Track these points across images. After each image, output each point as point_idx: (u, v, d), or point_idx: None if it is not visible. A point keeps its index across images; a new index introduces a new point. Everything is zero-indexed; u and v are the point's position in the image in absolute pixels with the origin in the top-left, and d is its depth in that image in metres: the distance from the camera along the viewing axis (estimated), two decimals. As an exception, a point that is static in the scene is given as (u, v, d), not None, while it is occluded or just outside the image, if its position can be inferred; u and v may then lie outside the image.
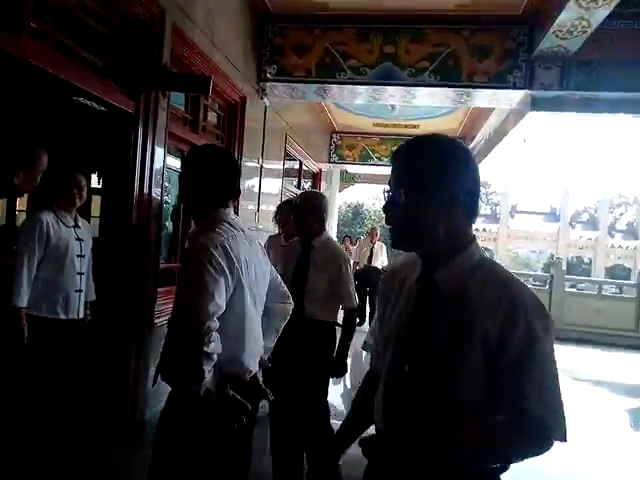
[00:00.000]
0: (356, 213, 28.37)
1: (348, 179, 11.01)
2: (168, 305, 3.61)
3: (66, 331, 2.58)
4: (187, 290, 1.39)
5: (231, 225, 1.46)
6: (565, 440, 0.92)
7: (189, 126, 3.84)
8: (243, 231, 1.50)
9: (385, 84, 4.97)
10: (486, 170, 9.01)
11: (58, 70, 2.33)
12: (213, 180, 1.48)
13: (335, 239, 8.19)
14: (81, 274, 2.66)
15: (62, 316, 2.54)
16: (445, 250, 0.99)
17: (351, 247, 9.33)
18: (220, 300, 1.33)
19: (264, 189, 5.38)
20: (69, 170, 2.62)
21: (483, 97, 5.10)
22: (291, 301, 1.78)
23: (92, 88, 2.62)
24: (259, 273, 1.51)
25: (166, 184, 3.49)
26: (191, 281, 1.37)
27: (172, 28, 3.21)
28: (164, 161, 3.33)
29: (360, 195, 26.91)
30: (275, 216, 4.04)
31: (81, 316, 2.68)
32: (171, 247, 3.94)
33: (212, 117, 4.34)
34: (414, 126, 8.51)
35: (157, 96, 3.12)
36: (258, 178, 5.23)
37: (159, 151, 3.22)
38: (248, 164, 4.81)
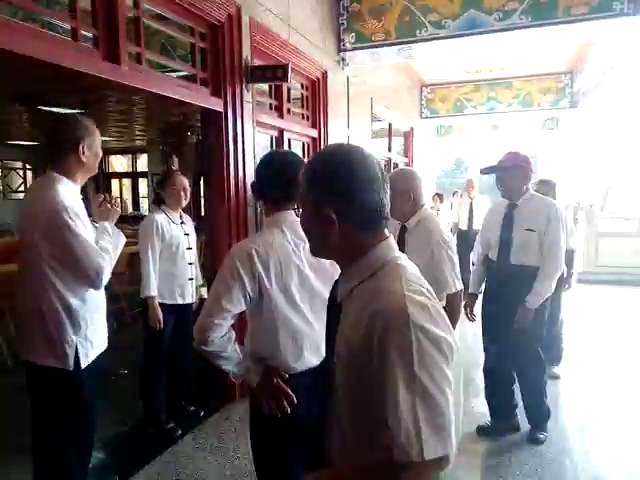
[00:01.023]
0: (458, 163, 27.15)
1: (444, 132, 10.58)
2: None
3: (183, 313, 3.00)
4: (209, 294, 1.56)
5: (280, 229, 1.56)
6: (423, 459, 0.80)
7: (275, 111, 4.04)
8: (296, 233, 1.55)
9: (471, 34, 4.69)
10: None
11: (155, 88, 2.63)
12: (267, 187, 1.61)
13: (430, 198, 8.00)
14: (191, 264, 3.05)
15: (180, 301, 2.97)
16: (342, 259, 1.01)
17: (440, 206, 8.30)
18: (229, 304, 1.46)
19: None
20: (170, 175, 2.97)
21: (584, 31, 4.58)
22: None
23: (189, 97, 2.91)
24: (310, 272, 1.57)
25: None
26: (213, 285, 1.53)
27: (249, 22, 3.37)
28: (254, 150, 3.57)
29: (460, 144, 25.52)
30: None
31: (194, 300, 3.09)
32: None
33: (296, 96, 4.48)
34: (511, 68, 7.89)
35: (241, 91, 3.33)
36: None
37: (248, 141, 3.46)
38: (335, 132, 4.90)
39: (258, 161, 1.70)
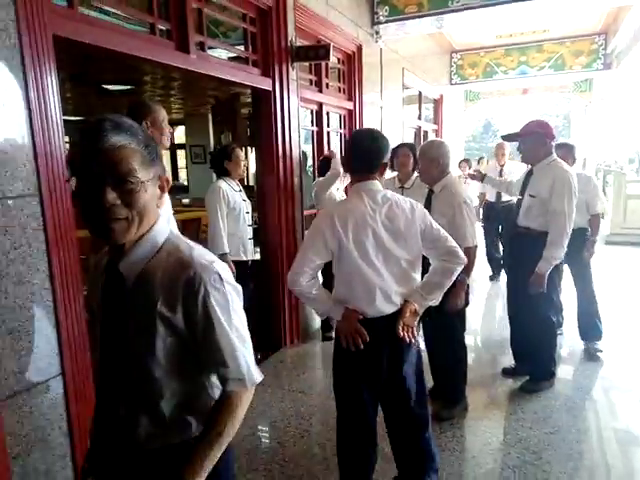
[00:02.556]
0: (487, 127, 26.66)
1: (472, 97, 10.56)
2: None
3: (246, 268, 3.44)
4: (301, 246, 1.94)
5: (360, 196, 1.85)
6: (249, 386, 1.09)
7: (315, 86, 4.33)
8: (374, 200, 1.83)
9: (503, 3, 4.80)
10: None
11: (216, 72, 2.97)
12: (348, 160, 1.95)
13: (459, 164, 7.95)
14: (250, 225, 3.48)
15: (244, 257, 3.40)
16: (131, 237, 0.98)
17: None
18: (315, 256, 1.80)
19: (385, 125, 5.68)
20: (233, 148, 3.34)
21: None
22: (459, 259, 1.90)
23: (242, 79, 3.24)
24: (385, 233, 1.82)
25: (302, 144, 4.08)
26: (304, 240, 1.93)
27: (293, 4, 3.64)
28: (299, 124, 3.90)
29: (489, 109, 25.02)
30: (390, 158, 4.08)
31: (255, 257, 3.52)
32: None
33: (332, 70, 4.74)
34: (544, 30, 7.83)
35: (287, 70, 3.64)
36: (379, 115, 5.56)
37: (294, 116, 3.79)
38: (369, 103, 5.16)
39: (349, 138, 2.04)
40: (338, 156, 3.95)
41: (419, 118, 7.39)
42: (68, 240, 2.01)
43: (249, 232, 3.45)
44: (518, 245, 3.12)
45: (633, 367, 3.53)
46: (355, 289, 1.83)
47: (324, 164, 4.03)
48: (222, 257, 3.21)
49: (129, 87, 6.47)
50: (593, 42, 8.04)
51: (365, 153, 1.87)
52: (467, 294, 2.69)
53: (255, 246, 3.78)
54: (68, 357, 2.05)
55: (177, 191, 11.17)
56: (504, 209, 5.52)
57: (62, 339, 2.01)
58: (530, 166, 3.12)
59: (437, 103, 8.53)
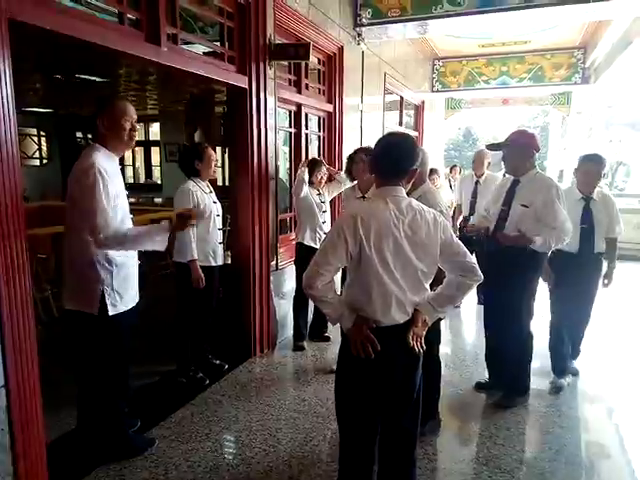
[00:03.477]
0: (467, 136, 26.95)
1: (454, 105, 10.60)
2: (287, 251, 4.22)
3: (215, 274, 3.29)
4: (319, 247, 1.86)
5: (385, 201, 1.78)
6: None
7: (294, 87, 4.21)
8: (398, 208, 1.77)
9: (487, 11, 4.77)
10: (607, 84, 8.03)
11: (188, 67, 2.82)
12: (375, 163, 1.87)
13: (443, 169, 7.79)
14: (220, 229, 3.32)
15: (213, 263, 3.25)
16: None
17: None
18: (334, 259, 1.73)
19: (366, 129, 5.59)
20: (205, 148, 3.19)
21: (600, 10, 4.65)
22: (477, 276, 1.87)
23: (217, 75, 3.10)
24: (407, 243, 1.76)
25: (281, 145, 3.96)
26: (323, 240, 1.83)
27: (273, 1, 3.51)
28: (275, 125, 3.77)
29: (470, 118, 25.33)
30: (348, 165, 3.68)
31: (224, 262, 3.37)
32: (290, 199, 4.46)
33: (313, 72, 4.63)
34: (525, 42, 7.90)
35: (265, 68, 3.51)
36: (359, 119, 5.47)
37: (271, 117, 3.66)
38: (349, 106, 5.07)
39: (378, 140, 1.92)
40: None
41: (400, 124, 7.34)
42: (17, 237, 1.87)
43: (219, 236, 3.30)
44: (503, 255, 3.01)
45: (607, 382, 3.51)
46: (371, 296, 1.77)
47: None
48: (190, 264, 3.07)
49: (103, 80, 6.22)
50: (572, 56, 8.15)
51: (391, 157, 1.82)
52: None
53: (226, 250, 3.64)
54: (12, 366, 1.90)
55: (150, 189, 10.90)
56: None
57: (6, 346, 1.86)
58: (509, 177, 3.10)
59: (418, 109, 8.51)
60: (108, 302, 2.19)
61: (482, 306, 3.45)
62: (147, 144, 11.58)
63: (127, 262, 2.27)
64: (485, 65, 8.75)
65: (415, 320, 1.82)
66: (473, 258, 1.90)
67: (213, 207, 3.22)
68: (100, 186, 2.05)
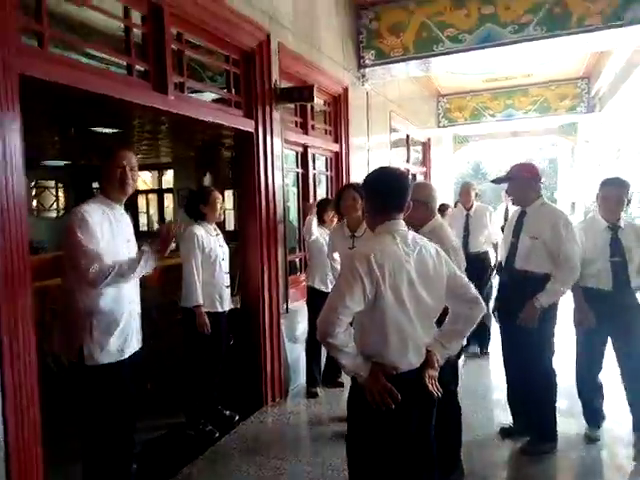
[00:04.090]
0: (476, 170, 27.08)
1: (461, 140, 10.70)
2: (298, 292, 4.16)
3: (223, 320, 3.22)
4: (332, 291, 1.74)
5: (393, 236, 1.72)
6: None
7: (300, 128, 4.26)
8: (405, 243, 1.72)
9: (486, 47, 4.85)
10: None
11: (196, 113, 2.87)
12: (378, 198, 1.79)
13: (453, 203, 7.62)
14: (227, 273, 3.27)
15: (219, 309, 3.18)
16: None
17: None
18: (351, 303, 1.61)
19: (373, 167, 5.57)
20: (210, 191, 3.20)
21: (599, 40, 4.71)
22: (481, 307, 1.83)
23: (224, 120, 3.14)
24: (418, 279, 1.70)
25: (287, 185, 3.97)
26: (336, 284, 1.74)
27: (277, 47, 3.61)
28: (282, 166, 3.79)
29: (478, 151, 25.53)
30: (335, 202, 3.58)
31: (231, 307, 3.30)
32: (298, 239, 4.44)
33: (319, 113, 4.70)
34: (528, 75, 8.00)
35: (271, 111, 3.56)
36: (366, 157, 5.49)
37: (277, 158, 3.69)
38: (355, 145, 5.11)
39: (368, 174, 1.90)
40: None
41: (407, 161, 7.37)
42: (21, 286, 1.87)
43: (226, 280, 3.24)
44: (515, 289, 2.94)
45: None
46: (388, 340, 1.67)
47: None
48: (195, 309, 3.01)
49: (117, 130, 6.40)
50: (576, 86, 8.21)
51: (395, 191, 1.78)
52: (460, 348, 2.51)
53: (234, 295, 3.58)
54: (12, 411, 1.84)
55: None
56: (476, 258, 4.63)
57: (6, 391, 1.82)
58: (517, 208, 3.06)
59: (425, 146, 8.56)
60: (85, 352, 2.09)
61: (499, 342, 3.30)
62: (160, 191, 11.79)
63: (115, 310, 2.16)
64: (490, 99, 8.85)
65: (430, 361, 1.73)
66: (474, 289, 1.85)
67: (219, 250, 3.18)
68: (83, 227, 2.02)
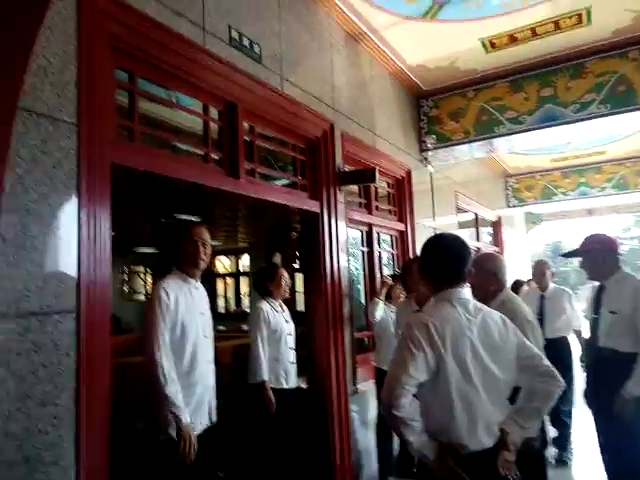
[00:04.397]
0: (555, 251, 25.85)
1: (534, 219, 10.41)
2: (367, 372, 4.04)
3: (288, 398, 3.18)
4: (392, 361, 1.66)
5: (452, 304, 1.65)
6: None
7: (364, 208, 4.41)
8: (467, 310, 1.65)
9: (548, 126, 4.88)
10: None
11: (265, 195, 3.10)
12: (435, 266, 1.76)
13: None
14: (293, 349, 3.29)
15: (285, 386, 3.16)
16: None
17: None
18: (415, 372, 1.53)
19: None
20: (276, 269, 3.35)
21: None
22: (557, 381, 1.67)
23: (290, 202, 3.35)
24: (482, 348, 1.60)
25: (352, 263, 4.04)
26: (395, 353, 1.65)
27: (341, 135, 3.88)
28: (347, 244, 3.90)
29: (556, 231, 24.54)
30: (401, 277, 3.53)
31: (297, 385, 3.28)
32: (365, 318, 4.40)
33: (382, 194, 4.86)
34: (600, 153, 7.82)
35: (335, 193, 3.75)
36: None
37: (342, 237, 3.80)
38: (421, 225, 5.15)
39: (425, 241, 1.87)
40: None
41: (477, 239, 7.26)
42: (101, 362, 1.94)
43: (291, 356, 3.26)
44: (604, 371, 2.70)
45: None
46: (455, 415, 1.55)
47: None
48: (261, 385, 3.01)
49: (199, 219, 6.97)
50: (655, 161, 7.88)
51: (452, 258, 1.73)
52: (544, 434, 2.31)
53: (300, 376, 3.54)
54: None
55: (238, 318, 11.32)
56: (553, 344, 3.77)
57: (81, 473, 1.83)
58: (598, 282, 2.89)
59: (496, 225, 8.43)
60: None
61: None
62: (237, 275, 12.36)
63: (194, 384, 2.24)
64: (561, 178, 8.66)
65: (505, 443, 1.56)
66: (548, 361, 1.69)
67: (285, 326, 3.25)
68: (160, 301, 2.16)
